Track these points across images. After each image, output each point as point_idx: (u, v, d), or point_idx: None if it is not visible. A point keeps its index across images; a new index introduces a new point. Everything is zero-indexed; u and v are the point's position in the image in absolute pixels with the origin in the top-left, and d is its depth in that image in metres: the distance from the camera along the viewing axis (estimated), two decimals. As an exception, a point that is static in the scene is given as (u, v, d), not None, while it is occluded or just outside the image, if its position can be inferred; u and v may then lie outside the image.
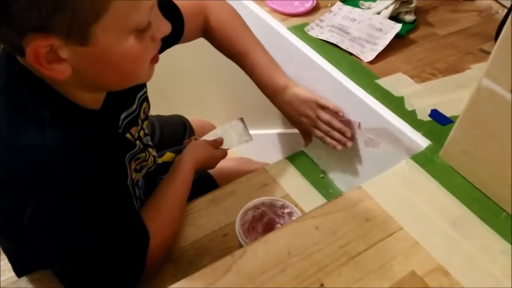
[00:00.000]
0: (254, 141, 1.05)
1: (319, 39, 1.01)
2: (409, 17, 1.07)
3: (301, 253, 0.64)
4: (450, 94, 0.91)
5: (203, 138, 1.02)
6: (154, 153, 0.86)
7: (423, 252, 0.66)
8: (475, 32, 1.09)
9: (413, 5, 1.06)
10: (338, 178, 1.05)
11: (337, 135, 0.92)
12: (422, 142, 0.82)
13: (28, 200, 0.58)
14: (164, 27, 0.61)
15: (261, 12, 1.08)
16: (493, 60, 0.65)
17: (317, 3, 1.10)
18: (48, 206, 0.59)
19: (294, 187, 1.00)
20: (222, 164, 0.99)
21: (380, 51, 0.97)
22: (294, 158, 1.09)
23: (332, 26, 1.03)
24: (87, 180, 0.61)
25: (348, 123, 0.92)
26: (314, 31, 1.02)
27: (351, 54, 0.98)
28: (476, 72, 0.96)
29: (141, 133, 0.80)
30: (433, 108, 0.87)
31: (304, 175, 1.05)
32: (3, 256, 0.84)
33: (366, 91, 0.90)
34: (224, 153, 0.99)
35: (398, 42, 1.01)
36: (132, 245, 0.70)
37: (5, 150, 0.59)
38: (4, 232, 0.70)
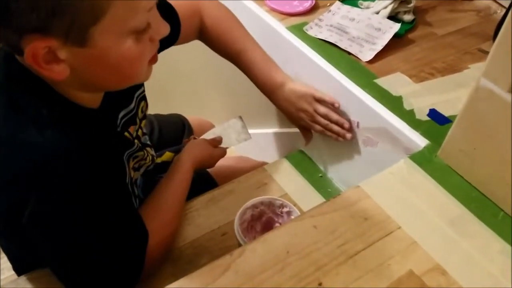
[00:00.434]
0: (253, 140, 1.05)
1: (318, 38, 1.01)
2: (408, 17, 1.07)
3: (300, 252, 0.65)
4: (449, 94, 0.91)
5: (202, 137, 1.03)
6: (153, 152, 0.86)
7: (421, 251, 0.66)
8: (473, 31, 1.09)
9: (411, 4, 1.07)
10: (336, 177, 1.05)
11: (335, 127, 0.92)
12: (420, 141, 0.82)
13: (28, 199, 0.58)
14: (163, 29, 0.61)
15: (260, 12, 1.08)
16: (491, 60, 0.66)
17: (316, 2, 1.10)
18: (48, 205, 0.59)
19: (293, 186, 1.00)
20: (221, 163, 0.99)
21: (378, 51, 0.97)
22: (293, 157, 1.09)
23: (331, 25, 1.04)
24: (86, 180, 0.61)
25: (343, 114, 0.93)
26: (313, 31, 1.03)
27: (349, 53, 0.98)
28: (474, 72, 0.96)
29: (139, 132, 0.80)
30: (431, 107, 0.87)
31: (303, 174, 1.05)
32: (3, 255, 0.84)
33: (365, 91, 0.90)
34: (223, 152, 0.99)
35: (396, 42, 1.01)
36: (131, 244, 0.70)
37: (4, 150, 0.59)
38: (4, 231, 0.70)
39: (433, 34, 1.07)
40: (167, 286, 0.62)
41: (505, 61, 0.63)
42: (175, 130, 1.16)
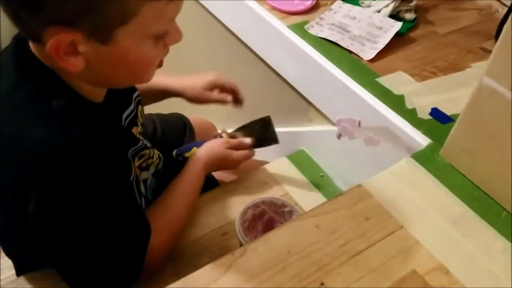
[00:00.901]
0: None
1: (319, 37, 1.00)
2: (409, 16, 1.06)
3: (301, 252, 0.64)
4: (451, 93, 0.91)
5: (230, 132, 0.99)
6: (157, 151, 0.86)
7: (424, 251, 0.65)
8: (475, 30, 1.08)
9: (413, 3, 1.06)
10: (338, 177, 1.05)
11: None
12: (422, 140, 0.82)
13: (30, 197, 0.58)
14: (178, 36, 0.64)
15: (261, 10, 1.07)
16: (494, 58, 0.65)
17: (317, 1, 1.10)
18: (52, 201, 0.59)
19: (294, 186, 1.00)
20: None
21: (380, 50, 0.97)
22: (294, 156, 1.08)
23: (332, 24, 1.03)
24: (92, 175, 0.61)
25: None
26: (314, 29, 1.02)
27: (351, 52, 0.98)
28: (476, 71, 0.96)
29: (142, 137, 0.80)
30: (433, 106, 0.87)
31: (304, 174, 1.04)
32: (3, 255, 0.84)
33: (366, 90, 0.90)
34: (245, 154, 0.94)
35: (398, 41, 1.00)
36: (132, 243, 0.70)
37: (13, 144, 0.58)
38: (6, 230, 0.70)
39: (435, 33, 1.07)
40: (167, 286, 0.61)
41: (508, 60, 0.63)
42: (177, 130, 1.16)
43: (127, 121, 0.74)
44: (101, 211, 0.63)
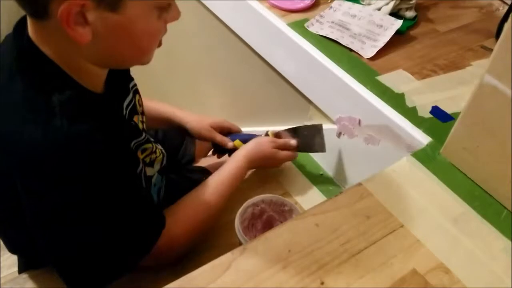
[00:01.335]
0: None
1: (319, 35, 1.00)
2: (410, 14, 1.06)
3: (301, 250, 0.64)
4: (451, 91, 0.91)
5: (282, 130, 1.00)
6: (160, 147, 0.86)
7: (424, 250, 0.65)
8: (476, 28, 1.08)
9: (413, 1, 1.06)
10: (338, 176, 1.04)
11: None
12: (422, 139, 0.81)
13: (41, 188, 0.59)
14: (176, 14, 0.65)
15: (261, 8, 1.07)
16: (495, 56, 0.65)
17: (317, -1, 1.10)
18: (60, 194, 0.59)
19: (294, 185, 1.00)
20: (222, 161, 0.98)
21: (380, 48, 0.96)
22: (294, 155, 1.08)
23: (332, 22, 1.03)
24: (101, 166, 0.61)
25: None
26: (314, 27, 1.02)
27: (351, 50, 0.97)
28: (477, 69, 0.95)
29: (145, 126, 0.80)
30: (433, 104, 0.87)
31: (304, 173, 1.04)
32: (3, 253, 0.84)
33: (367, 88, 0.89)
34: (290, 155, 0.97)
35: (398, 39, 1.00)
36: (141, 234, 0.69)
37: (18, 135, 0.58)
38: (10, 222, 0.70)
39: (435, 31, 1.06)
40: (167, 286, 0.61)
41: (509, 58, 0.62)
42: (177, 129, 1.16)
43: (127, 110, 0.74)
44: (108, 203, 0.63)
